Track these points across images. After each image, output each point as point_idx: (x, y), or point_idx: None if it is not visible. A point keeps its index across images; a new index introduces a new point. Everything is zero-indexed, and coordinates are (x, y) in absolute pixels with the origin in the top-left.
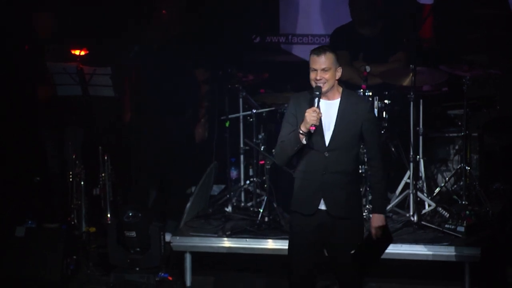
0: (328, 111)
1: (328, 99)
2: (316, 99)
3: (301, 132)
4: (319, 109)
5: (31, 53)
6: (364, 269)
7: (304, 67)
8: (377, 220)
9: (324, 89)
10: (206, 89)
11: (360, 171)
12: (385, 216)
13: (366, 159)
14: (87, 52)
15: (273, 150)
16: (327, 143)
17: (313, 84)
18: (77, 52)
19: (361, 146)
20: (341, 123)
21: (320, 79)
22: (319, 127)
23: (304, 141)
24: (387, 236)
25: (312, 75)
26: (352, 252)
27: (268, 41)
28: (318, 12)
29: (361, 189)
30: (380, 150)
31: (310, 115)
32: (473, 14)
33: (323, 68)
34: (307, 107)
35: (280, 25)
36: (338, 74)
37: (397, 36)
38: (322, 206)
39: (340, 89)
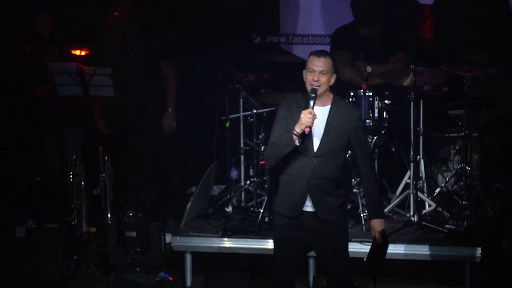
0: (319, 117)
1: (321, 105)
2: (312, 101)
3: (295, 133)
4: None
5: (31, 53)
6: (376, 274)
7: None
8: (378, 224)
9: (318, 92)
10: (172, 81)
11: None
12: (384, 219)
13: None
14: (87, 52)
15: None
16: (315, 149)
17: (309, 87)
18: (77, 52)
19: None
20: (329, 130)
21: (317, 81)
22: (310, 132)
23: (297, 143)
24: (386, 239)
25: (309, 77)
26: (365, 260)
27: (268, 41)
28: (318, 12)
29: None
30: (370, 156)
31: (305, 116)
32: (473, 14)
33: (321, 71)
34: (298, 110)
35: (281, 25)
36: (333, 80)
37: (398, 36)
38: (307, 208)
39: (331, 96)
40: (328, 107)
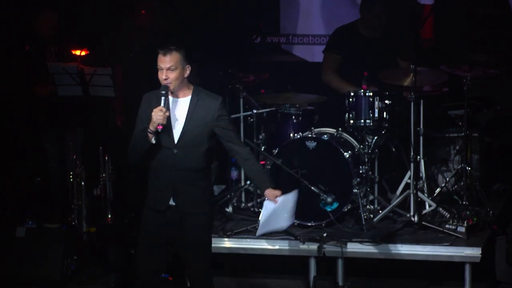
0: (177, 108)
1: (177, 97)
2: (163, 99)
3: (149, 131)
4: (166, 108)
5: (31, 53)
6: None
7: (305, 67)
8: (274, 190)
9: (171, 88)
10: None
11: (361, 171)
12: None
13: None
14: (88, 52)
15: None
16: (176, 140)
17: (162, 84)
18: (77, 52)
19: (361, 146)
20: (190, 120)
21: (166, 79)
22: (167, 125)
23: (153, 141)
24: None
25: (160, 74)
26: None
27: (268, 41)
28: (318, 12)
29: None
30: (239, 139)
31: (156, 115)
32: (473, 14)
33: (169, 67)
34: (156, 105)
35: (281, 25)
36: (187, 72)
37: (398, 37)
38: (173, 202)
39: (192, 87)
40: (189, 97)
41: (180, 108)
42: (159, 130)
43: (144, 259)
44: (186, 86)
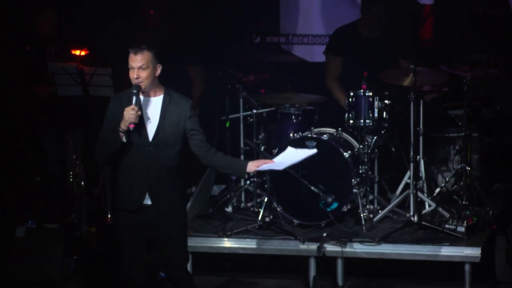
0: (150, 107)
1: (149, 96)
2: (134, 97)
3: (121, 130)
4: (138, 107)
5: (31, 53)
6: None
7: (305, 67)
8: (257, 161)
9: (143, 87)
10: (198, 86)
11: (360, 171)
12: None
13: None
14: (88, 52)
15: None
16: (151, 138)
17: (133, 83)
18: (77, 52)
19: (362, 147)
20: (164, 118)
21: (138, 78)
22: (141, 123)
23: (124, 139)
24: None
25: (131, 74)
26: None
27: (268, 41)
28: (318, 12)
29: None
30: (208, 143)
31: (128, 113)
32: (473, 14)
33: (140, 66)
34: (127, 105)
35: (281, 25)
36: (158, 71)
37: (398, 37)
38: (147, 201)
39: (163, 88)
40: (160, 97)
41: (152, 107)
42: (131, 129)
43: (128, 261)
44: (157, 85)
